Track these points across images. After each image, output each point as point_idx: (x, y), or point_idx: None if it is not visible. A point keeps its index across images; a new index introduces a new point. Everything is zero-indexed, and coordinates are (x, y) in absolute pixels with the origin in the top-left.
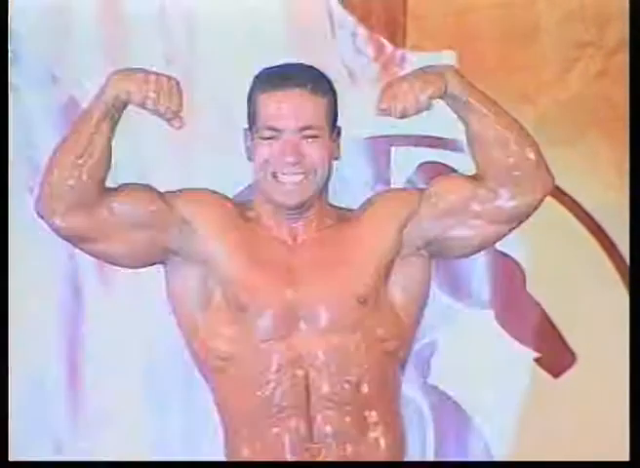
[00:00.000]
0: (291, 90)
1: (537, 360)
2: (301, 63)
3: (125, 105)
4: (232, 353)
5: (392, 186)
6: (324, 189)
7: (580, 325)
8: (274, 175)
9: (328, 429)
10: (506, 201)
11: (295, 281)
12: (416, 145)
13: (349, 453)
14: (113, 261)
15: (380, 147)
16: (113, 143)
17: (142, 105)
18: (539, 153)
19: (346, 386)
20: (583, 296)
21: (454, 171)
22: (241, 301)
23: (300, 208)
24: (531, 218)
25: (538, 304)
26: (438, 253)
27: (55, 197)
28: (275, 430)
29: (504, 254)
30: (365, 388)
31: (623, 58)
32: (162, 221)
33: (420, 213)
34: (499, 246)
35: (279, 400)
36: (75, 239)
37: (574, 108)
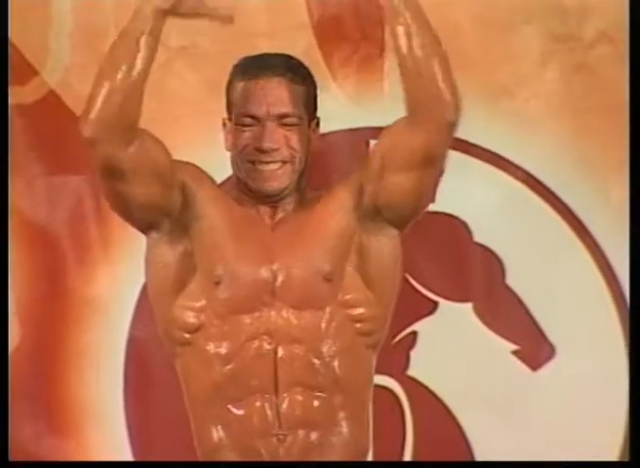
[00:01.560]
0: (269, 78)
1: (515, 352)
2: (281, 53)
3: (164, 20)
4: (199, 325)
5: None
6: (303, 177)
7: (559, 317)
8: (252, 163)
9: (297, 413)
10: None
11: (269, 258)
12: None
13: (315, 441)
14: (124, 208)
15: (359, 139)
16: None
17: (195, 10)
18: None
19: (316, 364)
20: (563, 289)
21: None
22: (216, 273)
23: (279, 194)
24: (510, 211)
25: (516, 297)
26: (388, 213)
27: (102, 121)
28: (241, 412)
29: (483, 247)
30: (336, 370)
31: (603, 51)
32: (171, 178)
33: (366, 177)
34: (478, 238)
35: (246, 378)
36: (109, 170)
37: (553, 101)
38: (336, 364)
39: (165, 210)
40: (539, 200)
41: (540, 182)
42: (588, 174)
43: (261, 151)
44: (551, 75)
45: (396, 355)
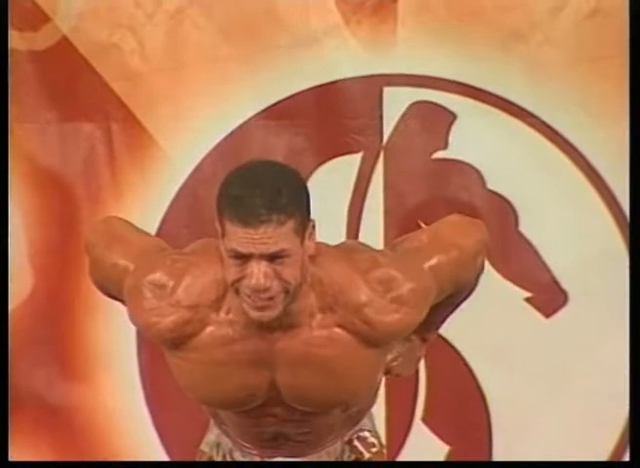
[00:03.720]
0: (256, 227)
1: (528, 300)
2: (269, 177)
3: None
4: None
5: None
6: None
7: (572, 264)
8: (247, 295)
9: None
10: None
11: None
12: (407, 85)
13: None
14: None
15: (372, 86)
16: None
17: None
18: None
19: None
20: (576, 236)
21: (444, 110)
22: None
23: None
24: (523, 158)
25: (529, 244)
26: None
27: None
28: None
29: (496, 194)
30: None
31: None
32: None
33: None
34: (490, 186)
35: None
36: None
37: (566, 46)
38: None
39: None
40: (551, 146)
41: (552, 129)
42: (602, 120)
43: (252, 291)
44: (565, 21)
45: None
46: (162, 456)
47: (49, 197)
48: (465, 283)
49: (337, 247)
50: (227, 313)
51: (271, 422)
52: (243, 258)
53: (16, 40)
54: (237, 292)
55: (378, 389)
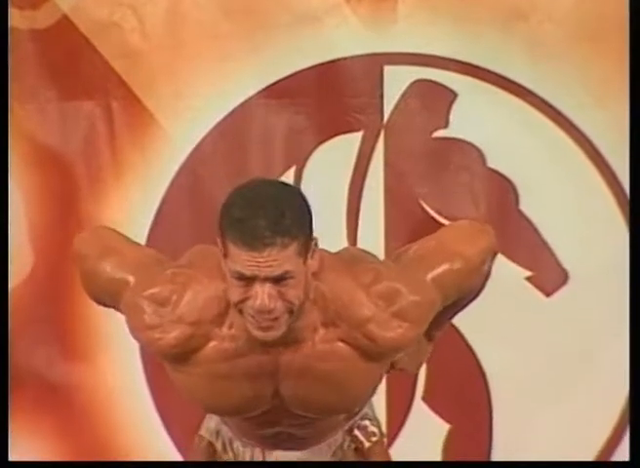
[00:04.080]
0: (260, 251)
1: (529, 278)
2: (271, 199)
3: None
4: None
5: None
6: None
7: (572, 243)
8: (251, 315)
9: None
10: None
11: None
12: (408, 63)
13: None
14: None
15: (373, 65)
16: None
17: None
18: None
19: None
20: (576, 215)
21: (444, 88)
22: None
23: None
24: (522, 136)
25: (530, 222)
26: None
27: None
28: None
29: (497, 173)
30: None
31: None
32: None
33: None
34: (491, 164)
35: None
36: None
37: (567, 25)
38: None
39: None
40: (552, 125)
41: (553, 107)
42: (602, 98)
43: (257, 311)
44: None
45: None
46: (162, 435)
47: (49, 176)
48: (471, 289)
49: (339, 257)
50: (230, 328)
51: (274, 426)
52: (247, 280)
53: (16, 18)
54: (241, 312)
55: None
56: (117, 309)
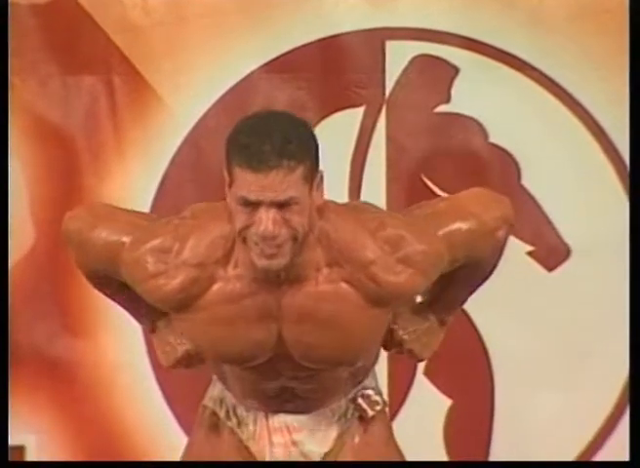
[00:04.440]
0: (266, 173)
1: (531, 253)
2: (278, 126)
3: None
4: None
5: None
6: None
7: (574, 218)
8: (255, 243)
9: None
10: None
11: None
12: (409, 38)
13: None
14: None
15: (374, 40)
16: None
17: None
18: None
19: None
20: (578, 189)
21: (446, 63)
22: None
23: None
24: (524, 111)
25: (532, 197)
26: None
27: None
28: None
29: (499, 148)
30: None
31: None
32: None
33: None
34: (493, 139)
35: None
36: None
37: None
38: None
39: None
40: (554, 100)
41: (554, 82)
42: (603, 73)
43: (261, 237)
44: None
45: None
46: (164, 410)
47: (50, 151)
48: (481, 256)
49: (345, 205)
50: (235, 267)
51: (278, 378)
52: (252, 206)
53: None
54: (245, 240)
55: (380, 348)
56: (117, 276)
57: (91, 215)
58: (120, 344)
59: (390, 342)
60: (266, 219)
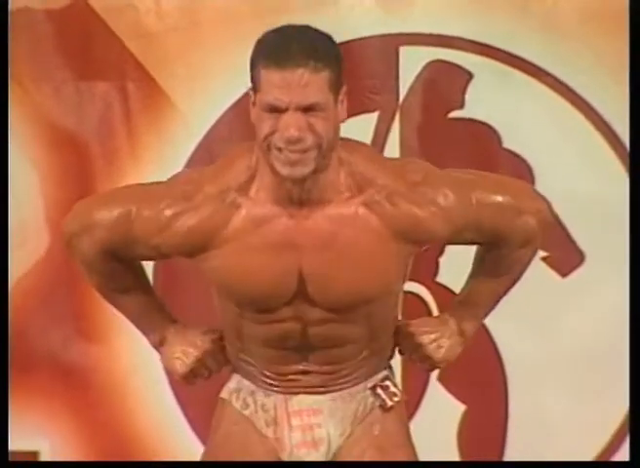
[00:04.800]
0: (292, 70)
1: (545, 259)
2: (304, 31)
3: None
4: None
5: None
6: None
7: (588, 224)
8: (279, 149)
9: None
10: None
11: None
12: (423, 44)
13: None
14: None
15: (388, 45)
16: None
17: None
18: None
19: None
20: (592, 195)
21: (460, 69)
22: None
23: (305, 180)
24: (538, 116)
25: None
26: None
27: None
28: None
29: (513, 153)
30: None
31: None
32: None
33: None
34: (507, 144)
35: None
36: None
37: (582, 5)
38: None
39: None
40: (568, 105)
41: (568, 88)
42: (618, 78)
43: (287, 140)
44: None
45: (425, 262)
46: (178, 415)
47: (65, 156)
48: (509, 238)
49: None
50: (257, 192)
51: (295, 336)
52: (277, 112)
53: None
54: (269, 148)
55: (397, 304)
56: (130, 251)
57: (89, 207)
58: (134, 349)
59: (406, 343)
60: (292, 123)
